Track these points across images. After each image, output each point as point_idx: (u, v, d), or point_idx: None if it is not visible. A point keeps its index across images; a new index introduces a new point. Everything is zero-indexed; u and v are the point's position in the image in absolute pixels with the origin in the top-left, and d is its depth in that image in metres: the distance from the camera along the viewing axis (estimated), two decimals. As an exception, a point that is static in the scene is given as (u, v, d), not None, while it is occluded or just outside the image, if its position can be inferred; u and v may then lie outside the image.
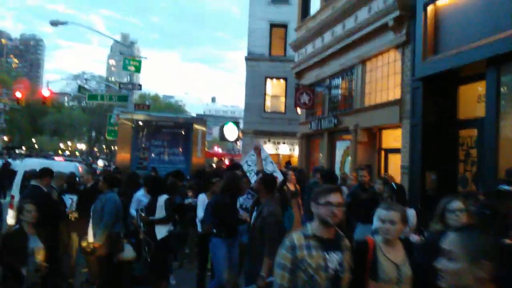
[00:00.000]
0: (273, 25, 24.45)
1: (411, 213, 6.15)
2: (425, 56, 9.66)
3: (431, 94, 9.71)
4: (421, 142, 9.76)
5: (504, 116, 7.86)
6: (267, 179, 5.27)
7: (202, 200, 7.24)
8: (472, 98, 9.11)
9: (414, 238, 5.35)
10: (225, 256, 5.95)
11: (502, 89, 7.92)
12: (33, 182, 7.39)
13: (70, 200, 7.90)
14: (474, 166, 8.91)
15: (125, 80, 24.82)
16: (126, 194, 7.94)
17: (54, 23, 20.72)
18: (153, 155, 13.29)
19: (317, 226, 2.97)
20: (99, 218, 6.53)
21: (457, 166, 9.34)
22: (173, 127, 13.63)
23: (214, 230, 6.08)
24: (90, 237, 6.56)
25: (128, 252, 6.73)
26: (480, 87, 8.75)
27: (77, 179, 9.45)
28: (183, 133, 13.59)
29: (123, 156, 13.32)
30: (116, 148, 16.19)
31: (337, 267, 2.88)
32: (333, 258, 2.89)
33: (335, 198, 2.94)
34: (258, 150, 7.31)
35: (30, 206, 5.14)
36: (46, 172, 7.25)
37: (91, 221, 6.70)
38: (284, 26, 24.17)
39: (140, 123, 13.56)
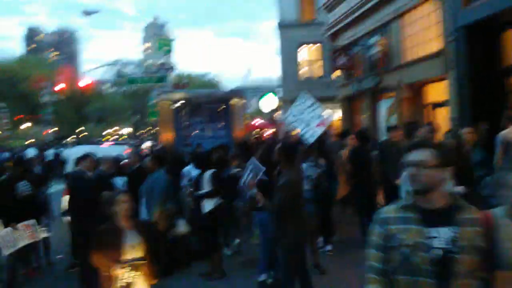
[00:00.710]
0: (302, -11, 23.84)
1: None
2: (465, 2, 9.17)
3: (475, 42, 9.25)
4: (469, 93, 9.36)
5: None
6: (286, 147, 5.02)
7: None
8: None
9: (459, 189, 4.99)
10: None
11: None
12: (75, 168, 7.57)
13: (121, 181, 8.11)
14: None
15: (161, 61, 25.08)
16: (173, 172, 8.10)
17: (87, 13, 21.11)
18: (195, 131, 13.45)
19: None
20: (150, 197, 6.66)
21: (507, 113, 8.90)
22: (211, 103, 13.70)
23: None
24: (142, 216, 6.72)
25: (182, 227, 6.87)
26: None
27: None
28: (222, 107, 13.65)
29: (167, 135, 13.56)
30: (158, 128, 16.48)
31: (447, 246, 2.19)
32: (442, 235, 2.21)
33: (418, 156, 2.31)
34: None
35: (123, 196, 4.06)
36: (85, 157, 7.39)
37: (142, 200, 6.87)
38: (314, -11, 23.51)
39: (179, 101, 13.69)
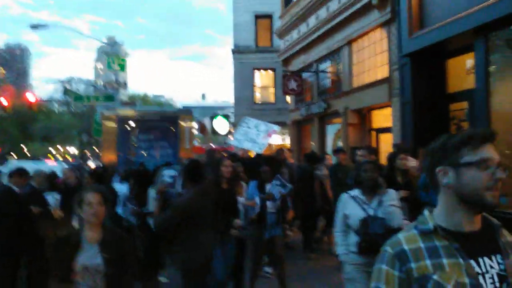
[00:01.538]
0: (258, 17, 24.27)
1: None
2: (411, 31, 9.46)
3: (420, 69, 9.53)
4: (412, 119, 9.58)
5: (494, 86, 7.68)
6: (190, 167, 4.72)
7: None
8: (461, 71, 8.96)
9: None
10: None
11: (491, 59, 7.73)
12: (5, 182, 7.15)
13: (54, 198, 7.64)
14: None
15: (112, 79, 24.54)
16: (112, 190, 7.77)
17: (35, 26, 20.37)
18: (141, 150, 13.02)
19: (449, 211, 1.55)
20: None
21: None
22: (159, 121, 13.36)
23: None
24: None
25: None
26: (468, 59, 8.57)
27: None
28: (169, 126, 13.32)
29: (109, 153, 13.04)
30: (102, 146, 15.90)
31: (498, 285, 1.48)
32: (489, 269, 1.50)
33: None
34: None
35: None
36: (15, 172, 6.99)
37: (76, 217, 6.46)
38: (269, 16, 23.97)
39: (125, 118, 13.26)
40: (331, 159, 9.03)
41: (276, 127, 9.17)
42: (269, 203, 5.90)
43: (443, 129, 9.20)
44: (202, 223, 4.47)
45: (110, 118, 13.25)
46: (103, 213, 3.42)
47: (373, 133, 12.21)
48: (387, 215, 4.03)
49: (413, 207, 4.92)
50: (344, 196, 4.27)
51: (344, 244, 4.17)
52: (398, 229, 3.00)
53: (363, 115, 12.46)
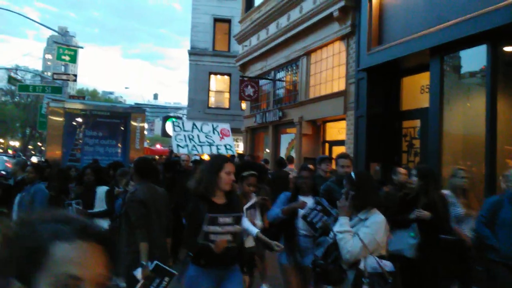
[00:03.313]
0: (216, 20, 24.06)
1: None
2: (369, 47, 9.59)
3: (376, 85, 9.68)
4: (366, 134, 9.69)
5: (447, 106, 7.88)
6: (140, 164, 4.71)
7: None
8: (415, 89, 9.16)
9: None
10: None
11: (445, 79, 7.94)
12: None
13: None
14: (417, 157, 8.93)
15: (61, 71, 23.48)
16: (55, 188, 7.30)
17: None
18: (87, 147, 12.41)
19: None
20: (27, 210, 5.88)
21: (400, 157, 9.34)
22: (109, 117, 12.80)
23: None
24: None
25: None
26: (423, 78, 8.77)
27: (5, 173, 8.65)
28: (120, 123, 12.81)
29: (54, 148, 12.35)
30: (47, 140, 15.07)
31: None
32: None
33: None
34: None
35: None
36: None
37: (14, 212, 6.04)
38: (228, 21, 23.83)
39: (73, 112, 12.63)
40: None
41: (225, 125, 8.72)
42: (300, 223, 4.66)
43: (396, 145, 9.38)
44: (151, 221, 4.36)
45: (57, 111, 12.55)
46: None
47: (327, 145, 12.28)
48: None
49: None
50: None
51: None
52: None
53: (318, 126, 12.52)
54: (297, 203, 4.71)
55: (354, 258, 3.12)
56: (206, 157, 8.82)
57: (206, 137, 8.08)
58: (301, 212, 4.64)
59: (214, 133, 8.13)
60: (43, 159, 16.26)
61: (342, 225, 3.28)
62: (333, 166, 6.19)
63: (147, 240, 4.17)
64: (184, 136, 8.04)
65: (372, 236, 3.13)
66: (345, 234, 3.21)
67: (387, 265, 3.13)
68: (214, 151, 7.99)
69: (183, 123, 8.44)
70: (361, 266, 3.11)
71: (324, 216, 4.45)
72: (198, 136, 8.10)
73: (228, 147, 8.06)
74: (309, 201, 4.71)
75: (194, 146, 8.04)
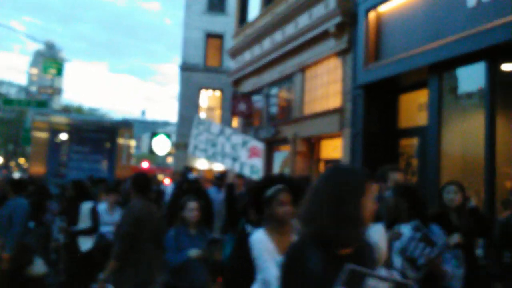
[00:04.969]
0: (209, 35, 23.96)
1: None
2: (366, 63, 9.41)
3: (372, 102, 9.49)
4: (362, 152, 9.45)
5: (446, 124, 7.69)
6: (137, 178, 4.81)
7: None
8: (413, 107, 8.99)
9: None
10: None
11: (444, 97, 7.76)
12: None
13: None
14: (414, 176, 8.70)
15: (47, 85, 23.04)
16: (36, 204, 7.01)
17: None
18: (72, 162, 11.97)
19: None
20: (6, 226, 5.76)
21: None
22: (96, 132, 12.39)
23: None
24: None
25: (39, 267, 5.74)
26: (421, 96, 8.60)
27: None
28: (106, 138, 12.41)
29: (38, 163, 11.90)
30: (31, 155, 14.65)
31: None
32: None
33: None
34: None
35: None
36: None
37: None
38: (220, 36, 23.72)
39: (58, 127, 12.20)
40: None
41: (258, 144, 7.09)
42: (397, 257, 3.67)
43: (393, 164, 9.12)
44: (145, 238, 4.37)
45: (41, 125, 12.14)
46: None
47: (322, 163, 11.99)
48: None
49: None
50: None
51: None
52: None
53: (312, 144, 12.24)
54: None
55: None
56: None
57: (232, 149, 6.81)
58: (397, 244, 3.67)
59: (242, 147, 6.80)
60: (26, 176, 15.78)
61: None
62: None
63: (120, 260, 4.16)
64: (207, 138, 6.89)
65: None
66: None
67: None
68: (237, 168, 6.79)
69: (210, 123, 7.16)
70: None
71: (428, 247, 3.56)
72: (223, 144, 6.84)
73: (254, 169, 6.68)
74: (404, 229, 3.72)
75: (214, 153, 6.86)
